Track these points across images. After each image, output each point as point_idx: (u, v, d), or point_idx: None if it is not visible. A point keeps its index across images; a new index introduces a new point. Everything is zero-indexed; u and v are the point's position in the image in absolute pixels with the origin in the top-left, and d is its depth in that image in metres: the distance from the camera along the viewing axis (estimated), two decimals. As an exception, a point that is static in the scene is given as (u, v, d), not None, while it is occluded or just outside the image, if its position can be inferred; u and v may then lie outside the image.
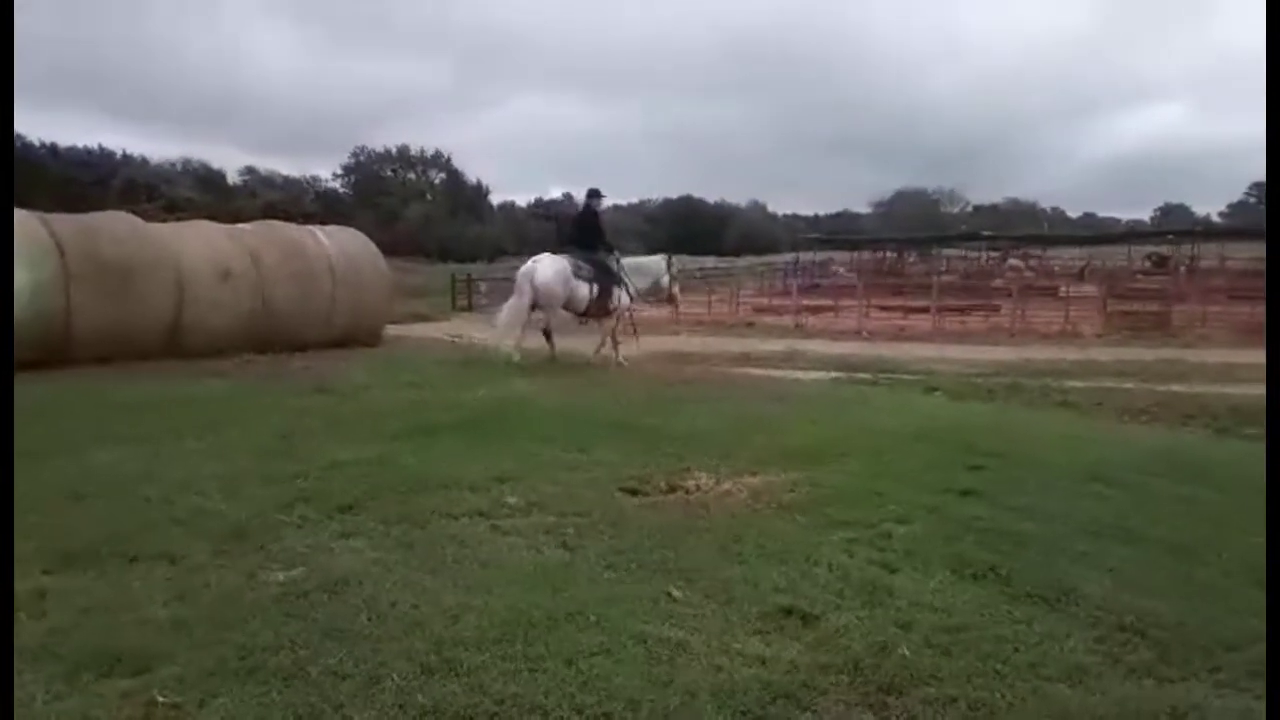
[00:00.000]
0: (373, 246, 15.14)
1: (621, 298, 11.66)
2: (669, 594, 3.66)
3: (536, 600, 3.51)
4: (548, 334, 11.89)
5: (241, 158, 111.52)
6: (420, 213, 62.31)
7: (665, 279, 11.60)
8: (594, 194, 12.24)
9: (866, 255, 50.62)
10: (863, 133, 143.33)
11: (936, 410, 9.42)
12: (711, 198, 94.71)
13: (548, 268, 11.31)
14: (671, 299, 11.79)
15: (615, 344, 12.01)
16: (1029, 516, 4.76)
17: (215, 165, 62.49)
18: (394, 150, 69.99)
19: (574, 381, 10.29)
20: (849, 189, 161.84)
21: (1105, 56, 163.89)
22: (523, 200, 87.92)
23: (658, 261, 12.07)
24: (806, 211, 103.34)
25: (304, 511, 4.67)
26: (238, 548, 4.13)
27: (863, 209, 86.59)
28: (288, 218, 17.64)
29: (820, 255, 53.76)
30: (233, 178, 61.67)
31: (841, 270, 44.86)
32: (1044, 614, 3.45)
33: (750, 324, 25.20)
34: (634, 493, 5.28)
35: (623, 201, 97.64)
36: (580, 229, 12.03)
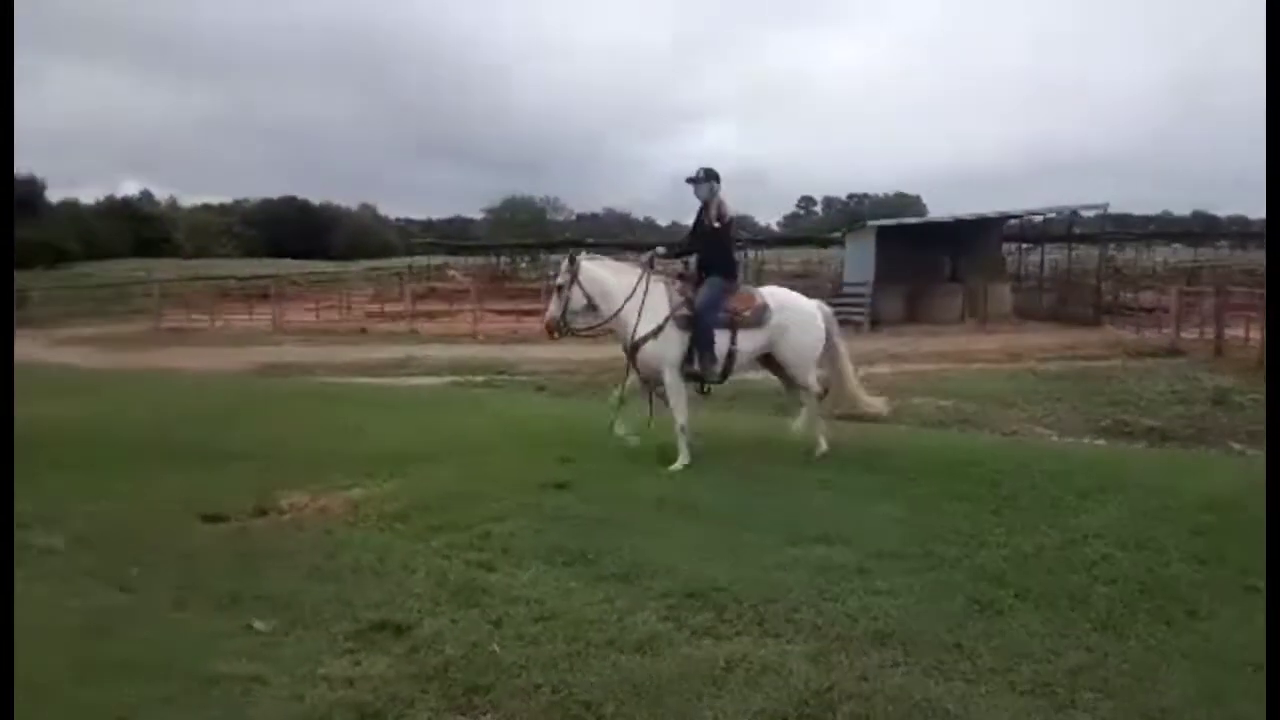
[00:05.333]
0: None
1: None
2: (250, 626, 3.38)
3: (79, 654, 3.06)
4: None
5: None
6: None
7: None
8: (707, 176, 6.70)
9: (481, 260, 51.41)
10: (471, 139, 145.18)
11: (540, 409, 9.80)
12: (317, 199, 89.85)
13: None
14: None
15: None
16: (613, 502, 5.11)
17: None
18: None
19: (140, 403, 9.15)
20: (460, 194, 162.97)
21: (683, 83, 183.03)
22: (89, 197, 76.81)
23: None
24: (420, 215, 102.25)
25: None
26: None
27: (475, 215, 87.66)
28: None
29: (436, 260, 53.57)
30: None
31: (457, 275, 45.06)
32: (623, 591, 3.71)
33: (363, 330, 24.38)
34: (216, 520, 4.83)
35: (214, 200, 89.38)
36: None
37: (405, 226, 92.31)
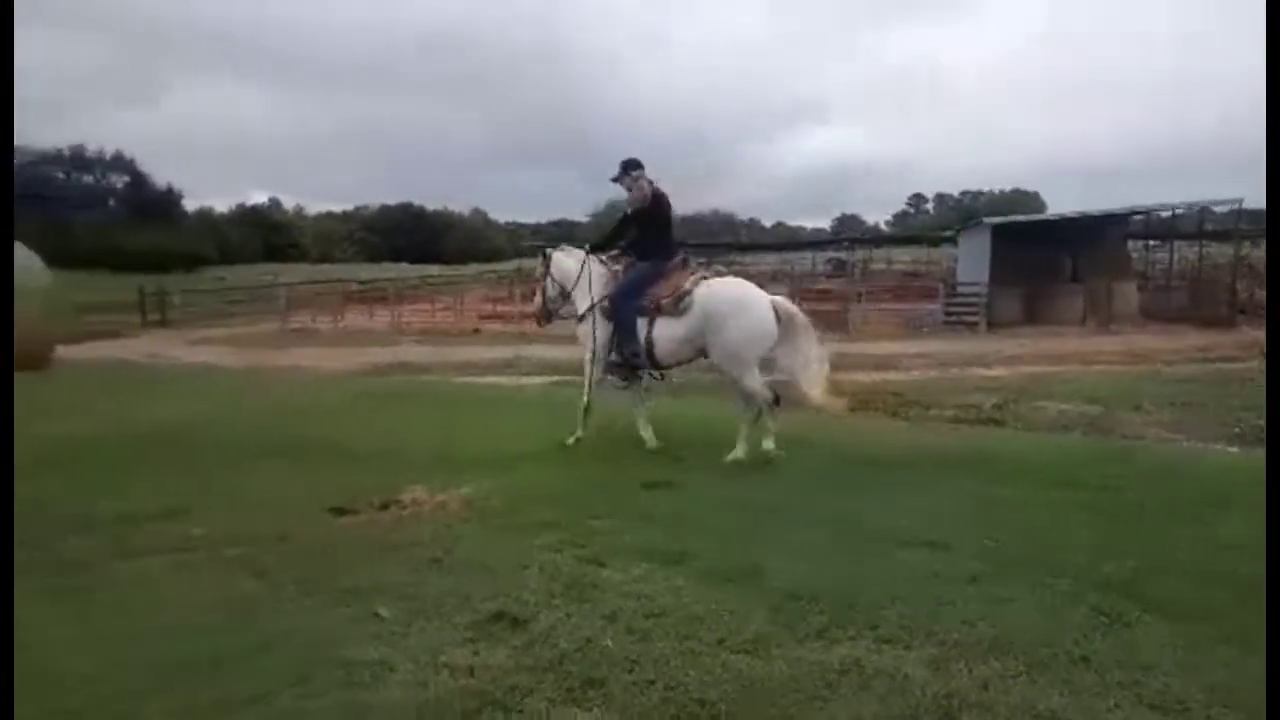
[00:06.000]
0: (32, 257, 13.34)
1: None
2: (376, 614, 3.54)
3: (221, 638, 3.26)
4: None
5: None
6: (99, 220, 55.65)
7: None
8: (625, 169, 6.63)
9: (586, 262, 52.02)
10: (580, 143, 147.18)
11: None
12: (432, 204, 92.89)
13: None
14: None
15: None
16: (720, 502, 5.14)
17: None
18: (65, 151, 61.82)
19: (269, 401, 9.66)
20: (567, 198, 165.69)
21: (787, 80, 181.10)
22: (222, 206, 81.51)
23: None
24: (528, 219, 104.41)
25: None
26: None
27: (580, 218, 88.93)
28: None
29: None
30: None
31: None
32: (731, 591, 3.72)
33: (475, 331, 25.05)
34: (343, 512, 5.06)
35: (337, 208, 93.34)
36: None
37: (515, 230, 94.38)
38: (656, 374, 6.76)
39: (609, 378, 6.88)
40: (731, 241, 58.71)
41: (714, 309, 6.22)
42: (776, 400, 6.30)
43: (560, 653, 3.15)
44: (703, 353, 6.43)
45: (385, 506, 5.17)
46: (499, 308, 29.71)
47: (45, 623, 3.44)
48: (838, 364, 14.39)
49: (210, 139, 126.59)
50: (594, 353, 6.65)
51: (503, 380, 13.96)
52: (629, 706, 2.81)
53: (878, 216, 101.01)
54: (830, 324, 22.33)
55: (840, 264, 46.59)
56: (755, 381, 6.23)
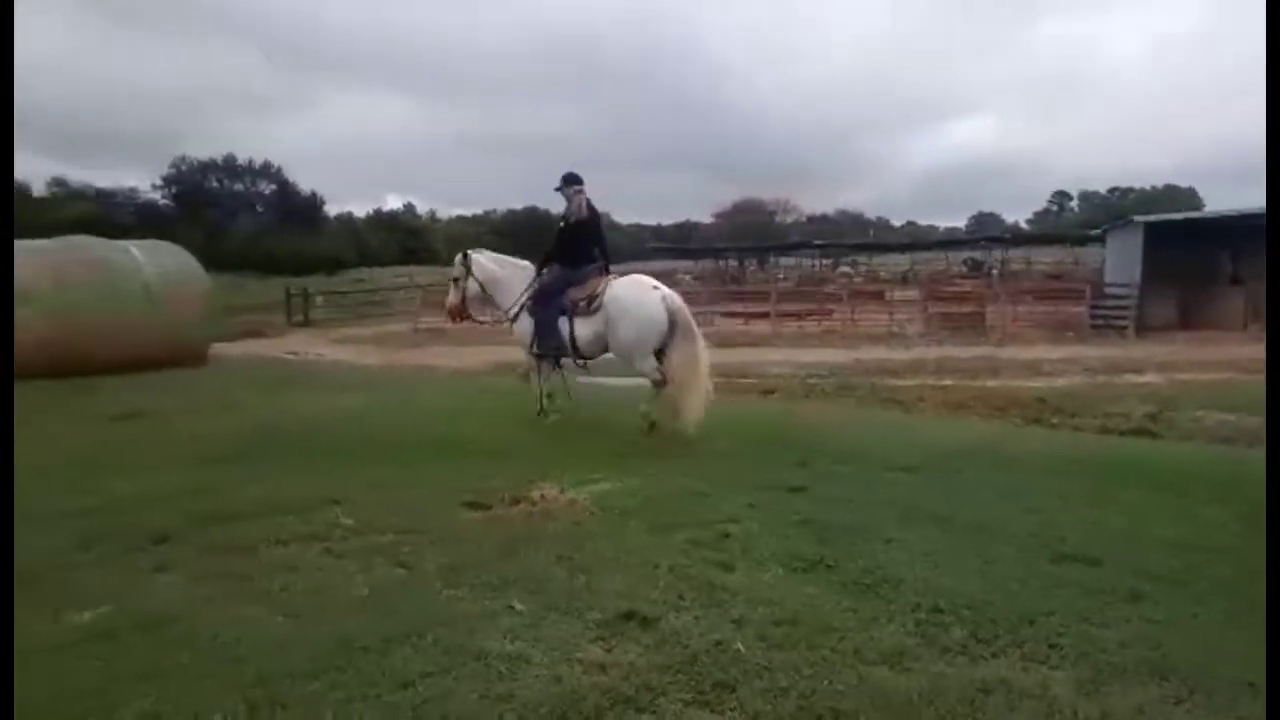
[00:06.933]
0: (193, 261, 14.35)
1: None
2: (511, 607, 3.62)
3: (370, 624, 3.39)
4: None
5: (50, 168, 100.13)
6: (250, 225, 59.33)
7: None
8: (564, 183, 7.75)
9: (709, 264, 51.96)
10: (701, 144, 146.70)
11: (772, 412, 9.75)
12: (556, 208, 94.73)
13: None
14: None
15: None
16: (853, 508, 5.02)
17: (19, 176, 57.15)
18: (219, 160, 66.09)
19: (405, 398, 10.03)
20: (690, 199, 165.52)
21: (922, 75, 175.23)
22: (360, 211, 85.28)
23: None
24: (650, 221, 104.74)
25: (108, 547, 4.37)
26: (34, 589, 3.78)
27: (704, 219, 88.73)
28: (101, 232, 16.40)
29: (665, 264, 54.79)
30: (39, 189, 56.43)
31: (686, 278, 45.79)
32: (868, 600, 3.62)
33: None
34: (477, 507, 5.20)
35: (466, 212, 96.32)
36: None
37: (637, 232, 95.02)
38: (580, 362, 7.63)
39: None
40: (860, 241, 57.37)
41: (613, 309, 7.12)
42: (663, 382, 7.12)
43: (691, 654, 3.14)
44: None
45: (516, 502, 5.28)
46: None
47: (211, 600, 3.67)
48: (977, 369, 13.93)
49: (349, 146, 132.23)
50: (523, 345, 7.77)
51: (629, 382, 14.07)
52: (762, 713, 2.76)
53: (1017, 215, 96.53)
54: (967, 326, 21.52)
55: (977, 264, 44.89)
56: (649, 365, 7.13)
